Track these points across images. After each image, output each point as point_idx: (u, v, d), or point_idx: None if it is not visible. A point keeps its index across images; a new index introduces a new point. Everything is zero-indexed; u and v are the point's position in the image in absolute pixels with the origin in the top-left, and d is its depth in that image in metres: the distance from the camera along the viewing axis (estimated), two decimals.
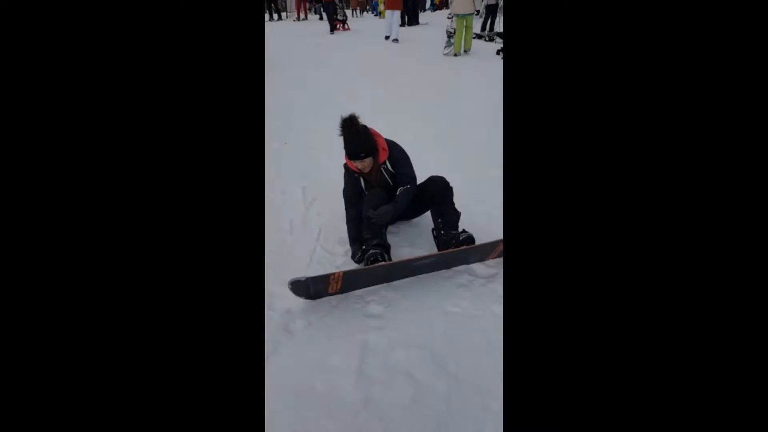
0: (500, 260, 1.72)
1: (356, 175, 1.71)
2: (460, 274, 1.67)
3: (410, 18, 10.13)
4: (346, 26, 9.18)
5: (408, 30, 9.06)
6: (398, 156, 1.70)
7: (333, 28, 8.51)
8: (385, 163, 1.68)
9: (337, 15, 8.66)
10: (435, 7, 17.50)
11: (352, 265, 1.69)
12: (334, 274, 1.43)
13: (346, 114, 1.60)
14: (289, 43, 7.45)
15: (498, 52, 6.20)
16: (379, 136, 1.67)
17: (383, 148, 1.65)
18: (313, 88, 4.56)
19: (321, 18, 12.09)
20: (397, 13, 7.15)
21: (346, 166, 1.73)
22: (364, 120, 1.68)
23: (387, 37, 7.20)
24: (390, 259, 1.63)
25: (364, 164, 1.63)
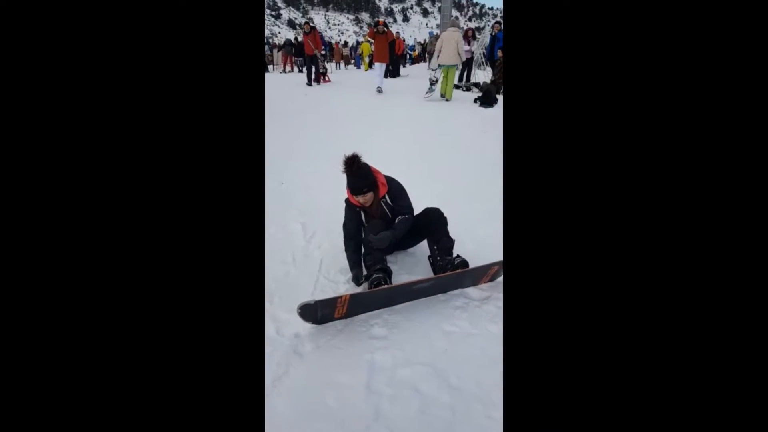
0: (492, 284, 1.85)
1: (357, 209, 1.86)
2: (456, 297, 1.79)
3: (393, 71, 10.81)
4: (326, 78, 9.53)
5: (390, 81, 9.64)
6: (396, 190, 1.87)
7: (311, 80, 8.74)
8: (384, 197, 1.84)
9: (318, 68, 8.95)
10: (412, 61, 18.84)
11: (356, 291, 1.80)
12: (341, 297, 1.54)
13: (348, 153, 1.78)
14: (280, 93, 7.81)
15: (475, 101, 6.68)
16: (379, 172, 1.84)
17: (382, 183, 1.82)
18: (305, 133, 4.80)
19: (301, 71, 12.75)
20: (384, 66, 7.59)
21: (347, 201, 1.88)
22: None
23: (380, 90, 7.45)
24: (391, 284, 1.75)
25: (366, 198, 1.78)
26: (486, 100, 6.39)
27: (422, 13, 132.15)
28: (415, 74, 11.88)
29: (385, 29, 7.29)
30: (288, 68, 14.14)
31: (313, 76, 8.84)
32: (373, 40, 7.55)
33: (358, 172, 1.75)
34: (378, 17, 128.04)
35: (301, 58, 12.28)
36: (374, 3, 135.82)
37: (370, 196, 1.78)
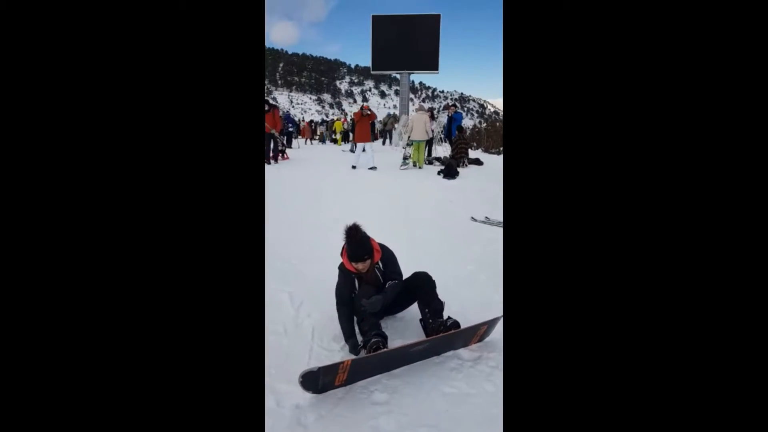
0: (481, 344, 1.94)
1: (352, 275, 1.95)
2: (450, 359, 1.85)
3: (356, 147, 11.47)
4: (285, 155, 9.30)
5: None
6: (388, 256, 2.00)
7: (269, 158, 8.26)
8: (377, 263, 1.96)
9: (276, 145, 8.59)
10: (373, 137, 20.18)
11: (352, 358, 1.82)
12: (342, 363, 1.56)
13: (350, 223, 1.91)
14: None
15: (438, 173, 7.20)
16: (373, 239, 1.97)
17: (377, 250, 1.95)
18: (281, 205, 4.91)
19: None
20: (366, 145, 7.72)
21: (342, 266, 1.97)
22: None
23: (354, 167, 7.62)
24: (388, 348, 1.79)
25: (365, 265, 1.89)
26: (449, 172, 6.91)
27: (380, 95, 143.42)
28: (377, 149, 12.61)
29: (369, 112, 7.79)
30: None
31: (271, 153, 8.36)
32: (356, 121, 7.86)
33: (360, 241, 1.87)
34: (339, 98, 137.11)
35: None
36: (335, 85, 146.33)
37: (368, 262, 1.90)
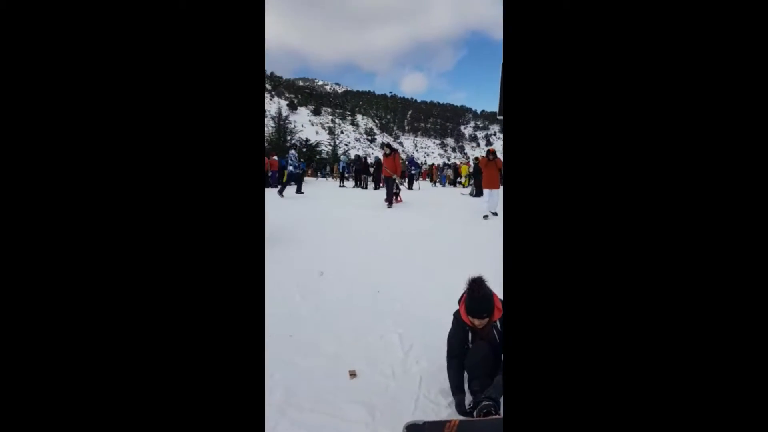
0: None
1: (467, 327, 1.87)
2: None
3: (477, 192, 11.31)
4: (399, 198, 9.40)
5: (478, 200, 9.95)
6: None
7: (391, 202, 8.43)
8: (496, 322, 1.84)
9: (391, 189, 8.66)
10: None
11: (459, 418, 1.70)
12: (449, 422, 1.48)
13: (475, 275, 1.85)
14: (368, 210, 8.48)
15: None
16: (496, 296, 1.86)
17: (498, 309, 1.82)
18: (393, 247, 5.07)
19: (357, 185, 14.21)
20: (494, 192, 7.26)
21: (458, 315, 1.90)
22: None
23: (486, 216, 7.01)
24: (501, 415, 1.63)
25: (482, 322, 1.80)
26: None
27: None
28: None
29: (495, 157, 7.40)
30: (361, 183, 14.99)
31: (390, 197, 8.49)
32: (482, 167, 7.60)
33: (483, 297, 1.78)
34: (462, 142, 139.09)
35: (363, 174, 14.22)
36: (459, 130, 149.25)
37: (486, 321, 1.80)
